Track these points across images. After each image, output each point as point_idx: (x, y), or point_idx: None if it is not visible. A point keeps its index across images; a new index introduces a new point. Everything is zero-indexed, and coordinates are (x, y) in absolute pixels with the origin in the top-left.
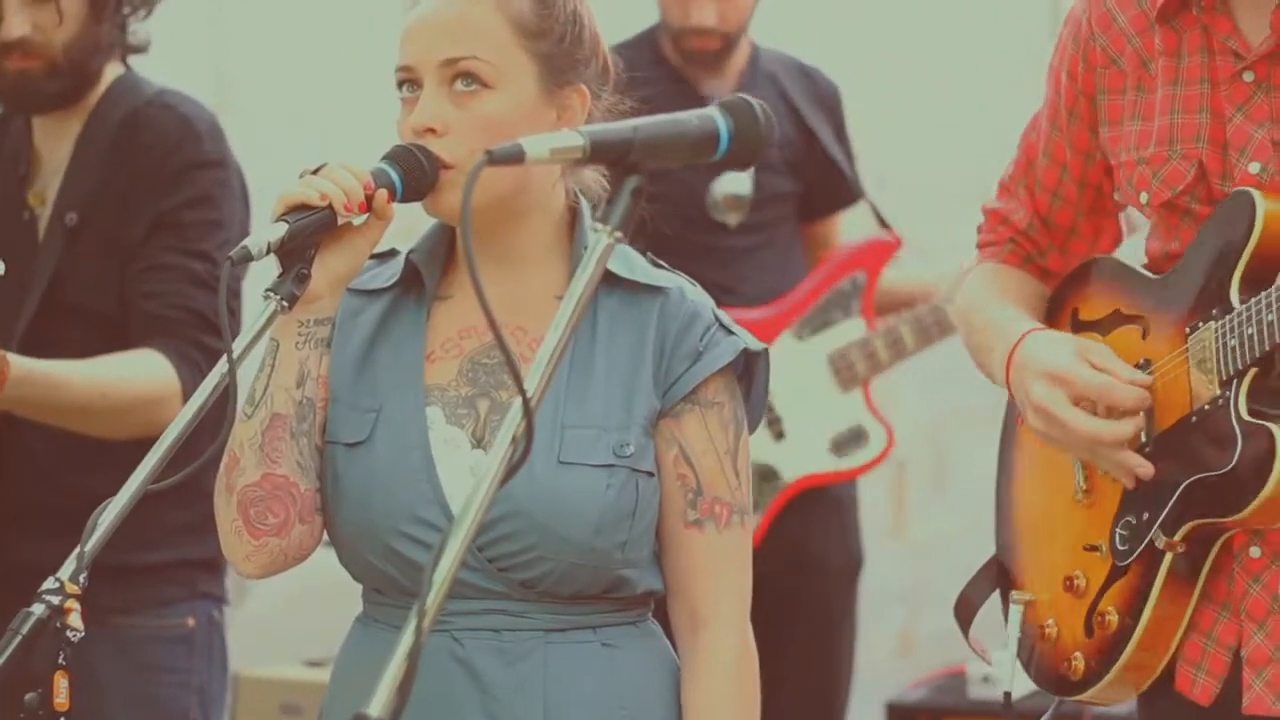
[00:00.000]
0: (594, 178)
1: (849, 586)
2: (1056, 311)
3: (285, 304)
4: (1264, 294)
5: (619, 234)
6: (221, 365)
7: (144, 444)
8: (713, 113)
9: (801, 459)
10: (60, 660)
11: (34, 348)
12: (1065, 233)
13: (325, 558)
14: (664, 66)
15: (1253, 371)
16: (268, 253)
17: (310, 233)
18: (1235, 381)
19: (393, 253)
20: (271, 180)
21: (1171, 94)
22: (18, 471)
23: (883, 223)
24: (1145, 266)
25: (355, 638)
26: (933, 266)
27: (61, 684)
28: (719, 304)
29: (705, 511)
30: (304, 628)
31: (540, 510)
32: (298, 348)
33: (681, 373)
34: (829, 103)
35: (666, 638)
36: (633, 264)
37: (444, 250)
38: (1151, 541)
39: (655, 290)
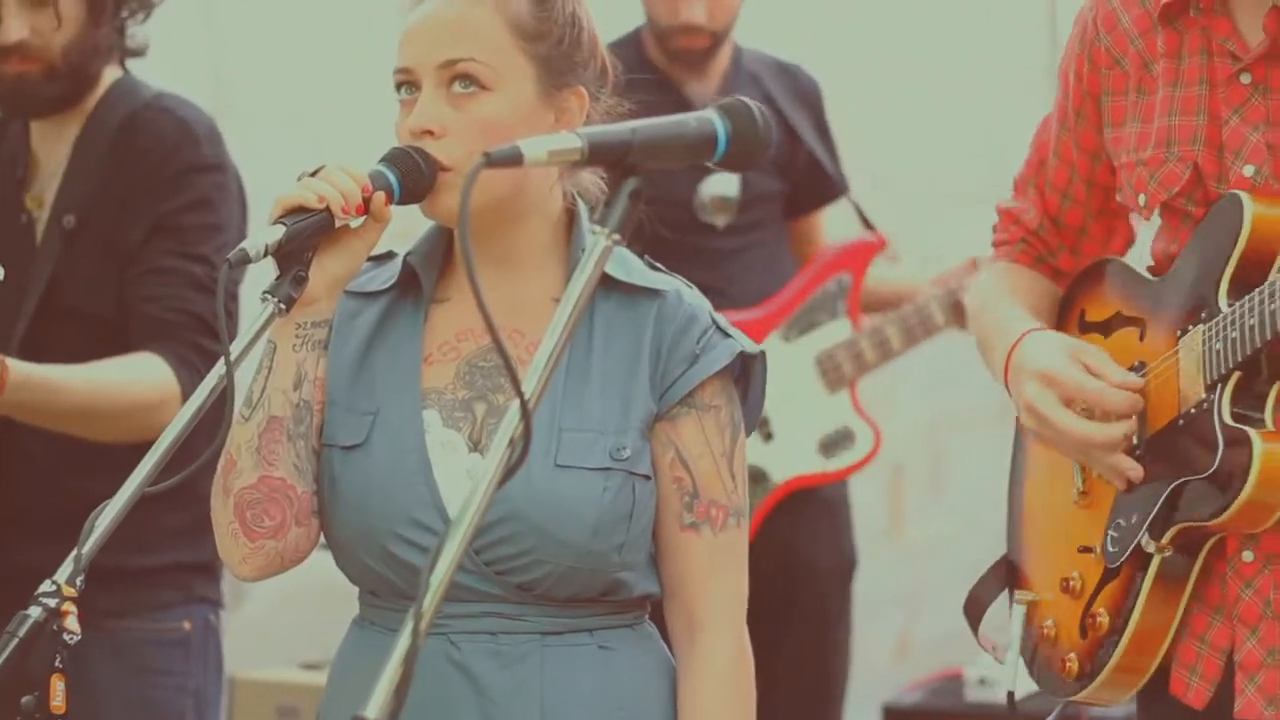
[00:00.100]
0: (592, 180)
1: (842, 587)
2: (1066, 312)
3: (283, 306)
4: (1247, 298)
5: (617, 236)
6: (219, 368)
7: (142, 447)
8: (711, 115)
9: (790, 460)
10: (57, 663)
11: (32, 351)
12: (1076, 233)
13: (322, 560)
14: (648, 69)
15: (1237, 375)
16: (265, 255)
17: (308, 235)
18: (1220, 385)
19: (390, 255)
20: (269, 183)
21: (1171, 95)
22: (16, 474)
23: (867, 223)
24: (1149, 268)
25: (352, 640)
26: (930, 267)
27: (58, 687)
28: None
29: (701, 514)
30: (300, 630)
31: (537, 513)
32: (295, 350)
33: (678, 376)
34: (810, 99)
35: (663, 640)
36: (630, 267)
37: (441, 253)
38: (1140, 544)
39: (652, 293)
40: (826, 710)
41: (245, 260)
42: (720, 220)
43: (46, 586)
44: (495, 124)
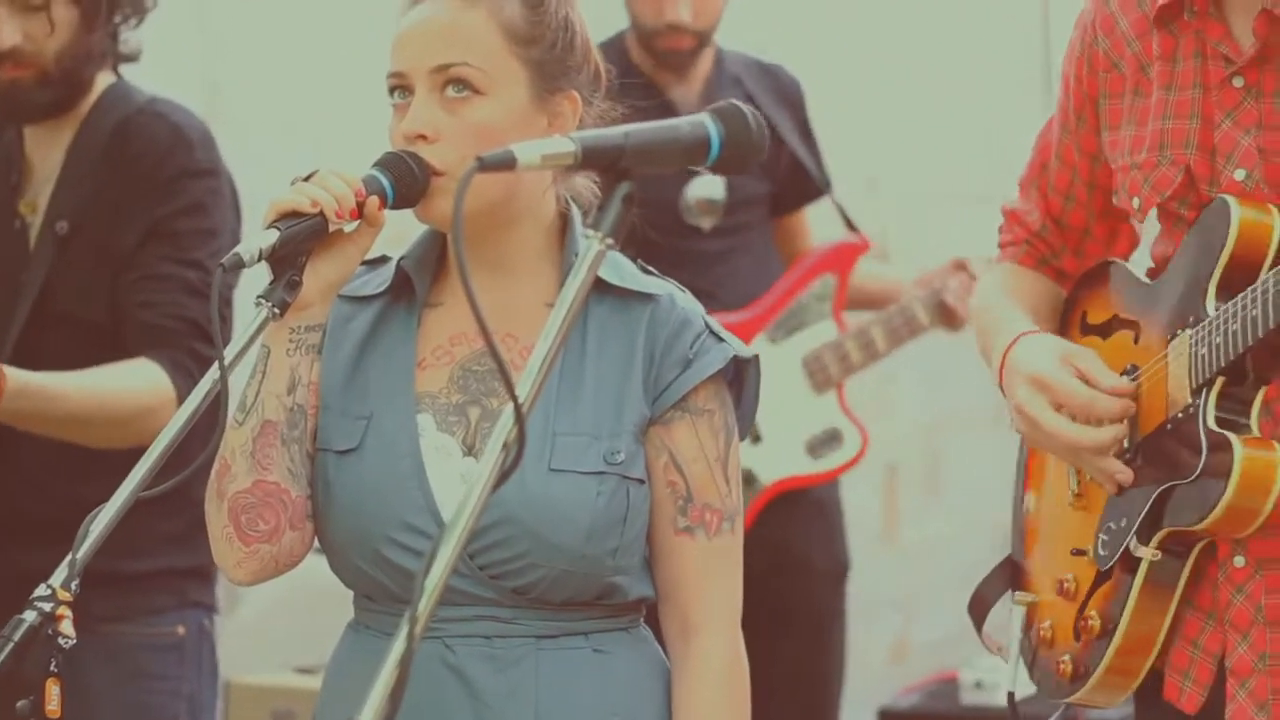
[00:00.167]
0: (585, 184)
1: (836, 589)
2: (1069, 314)
3: (276, 311)
4: (1232, 303)
5: (610, 241)
6: (213, 372)
7: (137, 452)
8: (704, 119)
9: (777, 462)
10: (52, 667)
11: (25, 357)
12: (1078, 235)
13: (316, 564)
14: (632, 73)
15: (1221, 380)
16: (259, 259)
17: (302, 240)
18: (1205, 390)
19: (384, 259)
20: (263, 188)
21: (1165, 99)
22: (10, 480)
23: (850, 225)
24: (1148, 271)
25: (346, 644)
26: (927, 268)
27: (53, 691)
28: None
29: (695, 518)
30: (295, 634)
31: (531, 517)
32: (289, 354)
33: (671, 380)
34: (792, 99)
35: (658, 643)
36: (623, 271)
37: (435, 257)
38: (1129, 548)
39: (645, 297)
40: (822, 714)
41: (239, 265)
42: (706, 223)
43: (41, 591)
44: (488, 128)
